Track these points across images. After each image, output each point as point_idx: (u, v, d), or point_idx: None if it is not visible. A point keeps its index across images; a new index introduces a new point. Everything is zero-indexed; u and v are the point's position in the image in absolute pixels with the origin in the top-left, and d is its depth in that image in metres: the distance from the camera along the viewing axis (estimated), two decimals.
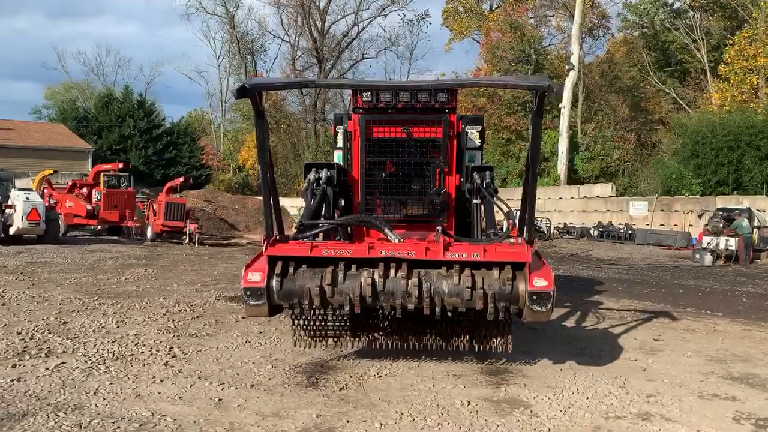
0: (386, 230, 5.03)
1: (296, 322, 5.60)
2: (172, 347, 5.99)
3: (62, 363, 5.36)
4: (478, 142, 7.15)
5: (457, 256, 4.68)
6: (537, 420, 4.35)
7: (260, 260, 4.80)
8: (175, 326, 6.99)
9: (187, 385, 4.90)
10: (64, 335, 6.36)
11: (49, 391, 4.63)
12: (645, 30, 40.29)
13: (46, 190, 21.86)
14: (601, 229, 27.06)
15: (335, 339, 5.72)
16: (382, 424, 4.18)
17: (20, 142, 36.50)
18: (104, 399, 4.50)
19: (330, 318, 5.73)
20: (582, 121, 38.52)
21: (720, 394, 5.09)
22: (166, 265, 13.40)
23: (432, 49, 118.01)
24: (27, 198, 17.09)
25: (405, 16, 79.68)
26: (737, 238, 17.23)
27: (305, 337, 5.65)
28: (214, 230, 25.46)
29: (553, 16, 44.62)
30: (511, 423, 4.27)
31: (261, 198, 6.49)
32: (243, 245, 21.45)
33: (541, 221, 27.22)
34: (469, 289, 4.60)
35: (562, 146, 34.20)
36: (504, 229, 5.22)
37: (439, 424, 4.23)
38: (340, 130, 7.05)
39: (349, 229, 6.42)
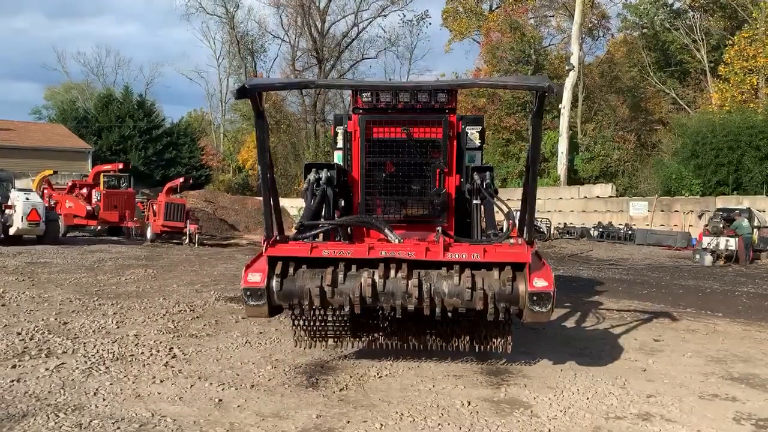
0: (386, 231, 5.03)
1: (296, 322, 5.60)
2: (172, 348, 5.99)
3: (62, 363, 5.36)
4: (478, 142, 7.15)
5: (457, 256, 4.68)
6: (537, 420, 4.35)
7: (260, 261, 4.80)
8: (175, 327, 6.98)
9: (187, 385, 4.90)
10: (64, 336, 6.36)
11: (49, 392, 4.63)
12: (645, 30, 40.31)
13: (45, 191, 21.86)
14: (601, 230, 27.06)
15: (335, 339, 5.72)
16: (382, 425, 4.18)
17: (20, 142, 36.53)
18: (104, 399, 4.50)
19: (330, 318, 5.73)
20: (582, 122, 38.54)
21: (720, 394, 5.09)
22: (165, 265, 13.39)
23: (432, 50, 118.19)
24: (27, 198, 17.07)
25: (405, 16, 79.98)
26: (737, 239, 17.22)
27: (305, 338, 5.65)
28: (213, 231, 25.45)
29: (553, 16, 44.67)
30: (511, 423, 4.27)
31: (261, 198, 6.50)
32: (243, 246, 21.45)
33: (541, 221, 27.22)
34: (469, 290, 4.60)
35: (562, 146, 34.21)
36: (504, 230, 5.22)
37: (439, 424, 4.23)
38: (340, 130, 7.05)
39: (349, 229, 6.41)
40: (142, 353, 5.78)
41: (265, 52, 63.84)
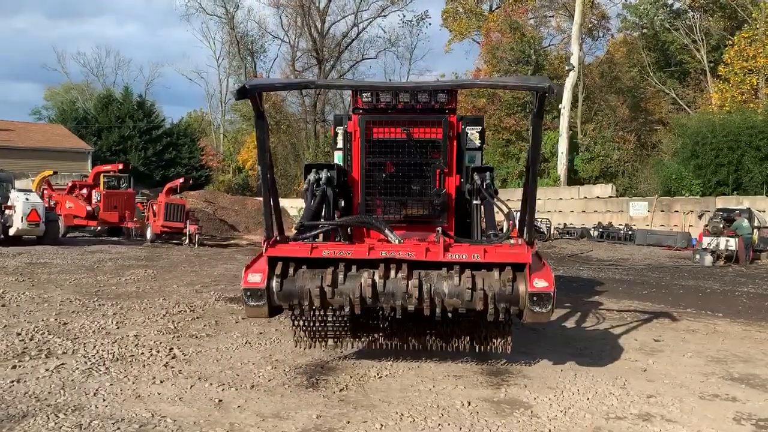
0: (386, 231, 5.03)
1: (296, 322, 5.60)
2: (172, 348, 5.99)
3: (62, 364, 5.35)
4: (478, 142, 7.14)
5: (457, 257, 4.68)
6: (537, 421, 4.35)
7: (260, 261, 4.80)
8: (175, 327, 6.98)
9: (187, 386, 4.90)
10: (64, 336, 6.35)
11: (49, 392, 4.62)
12: (645, 30, 40.32)
13: (45, 191, 21.86)
14: (601, 230, 27.07)
15: (335, 340, 5.72)
16: (382, 425, 4.18)
17: (20, 143, 36.52)
18: (104, 400, 4.50)
19: (330, 319, 5.73)
20: (582, 122, 38.56)
21: (720, 394, 5.09)
22: (165, 266, 13.39)
23: (432, 50, 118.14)
24: (27, 199, 17.08)
25: (405, 16, 79.91)
26: (737, 239, 17.23)
27: (305, 338, 5.65)
28: (213, 231, 25.45)
29: (552, 16, 44.70)
30: (511, 424, 4.27)
31: (261, 199, 6.50)
32: (243, 246, 21.45)
33: (541, 222, 27.23)
34: (470, 290, 4.60)
35: (562, 147, 34.21)
36: (504, 230, 5.22)
37: (439, 425, 4.22)
38: (340, 130, 7.04)
39: (349, 230, 6.42)
40: (142, 354, 5.77)
41: (265, 53, 64.06)
